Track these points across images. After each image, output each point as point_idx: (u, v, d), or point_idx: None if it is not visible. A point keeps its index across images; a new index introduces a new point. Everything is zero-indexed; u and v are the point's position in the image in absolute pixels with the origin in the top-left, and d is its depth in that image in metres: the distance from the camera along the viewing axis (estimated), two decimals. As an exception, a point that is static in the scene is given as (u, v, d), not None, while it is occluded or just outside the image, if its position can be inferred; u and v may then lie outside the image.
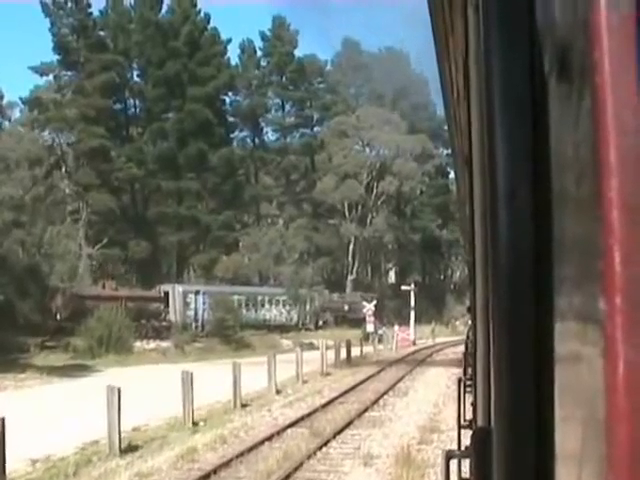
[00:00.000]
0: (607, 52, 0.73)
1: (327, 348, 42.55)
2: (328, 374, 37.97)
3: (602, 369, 0.72)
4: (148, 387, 32.82)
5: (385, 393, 29.04)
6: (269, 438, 19.16)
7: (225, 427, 21.70)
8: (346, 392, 29.20)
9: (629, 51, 0.72)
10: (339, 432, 19.90)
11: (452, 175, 74.90)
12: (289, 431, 20.40)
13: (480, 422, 3.24)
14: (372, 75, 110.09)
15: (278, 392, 30.03)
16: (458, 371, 19.38)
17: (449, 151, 74.22)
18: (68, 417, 23.92)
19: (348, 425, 21.10)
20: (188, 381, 21.64)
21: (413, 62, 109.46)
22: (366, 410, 24.26)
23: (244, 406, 26.03)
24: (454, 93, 5.13)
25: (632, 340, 0.69)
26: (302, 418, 22.12)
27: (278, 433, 19.81)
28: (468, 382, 7.86)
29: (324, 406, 25.01)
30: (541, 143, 1.08)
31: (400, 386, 32.06)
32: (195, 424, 22.09)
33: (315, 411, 23.79)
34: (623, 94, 0.71)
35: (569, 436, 0.96)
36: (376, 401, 26.62)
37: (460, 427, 6.60)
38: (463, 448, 5.26)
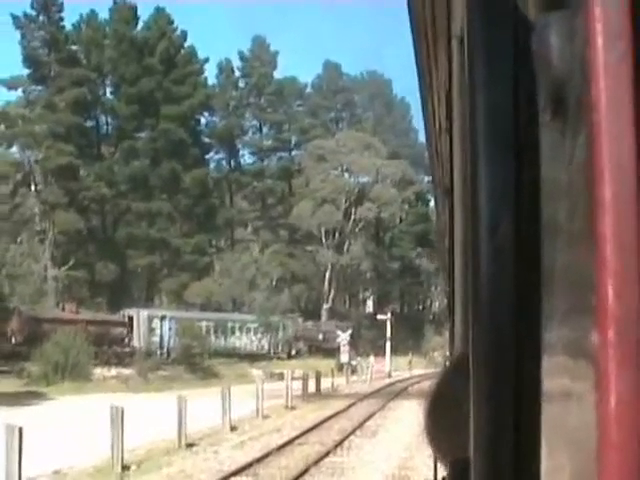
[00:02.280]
0: (604, 90, 0.73)
1: (298, 379, 39.77)
2: (293, 408, 34.87)
3: (593, 403, 0.72)
4: (96, 419, 29.71)
5: (352, 433, 25.96)
6: (205, 489, 16.15)
7: (160, 472, 18.59)
8: (308, 430, 26.12)
9: (625, 90, 0.73)
10: (290, 484, 16.89)
11: (433, 203, 72.31)
12: (231, 480, 17.36)
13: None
14: (353, 99, 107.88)
15: (233, 429, 26.93)
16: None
17: (430, 178, 72.12)
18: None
19: (302, 474, 18.03)
20: (118, 418, 18.54)
21: (395, 87, 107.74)
22: (327, 454, 21.16)
23: (190, 446, 22.90)
24: (436, 125, 5.24)
25: (624, 374, 0.70)
26: (251, 464, 19.01)
27: (217, 483, 16.77)
28: None
29: (280, 448, 21.89)
30: (526, 178, 1.08)
31: (370, 424, 28.97)
32: (126, 468, 18.95)
33: (268, 454, 20.69)
34: (619, 132, 0.72)
35: (556, 468, 0.96)
36: (340, 442, 23.51)
37: (436, 458, 5.35)
38: (440, 478, 4.49)
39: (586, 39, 0.76)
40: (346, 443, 23.77)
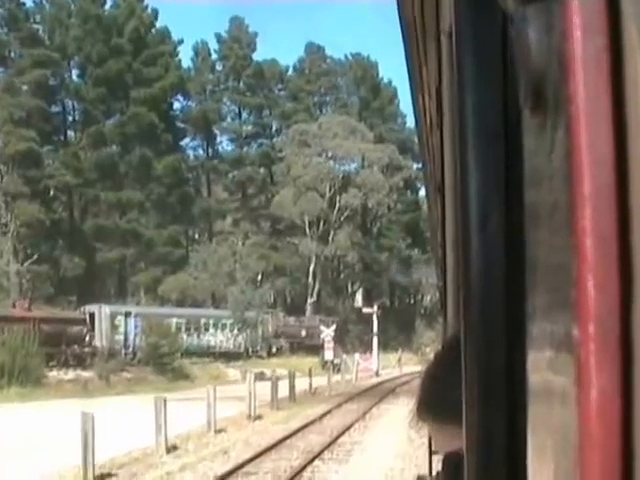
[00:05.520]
0: (582, 84, 0.73)
1: (277, 379, 34.66)
2: (258, 417, 29.26)
3: (575, 397, 0.73)
4: (26, 434, 24.45)
5: (319, 454, 20.27)
6: None
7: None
8: (265, 452, 20.49)
9: (603, 83, 0.73)
10: None
11: (422, 191, 68.18)
12: None
13: None
14: (337, 82, 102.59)
15: (172, 449, 21.34)
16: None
17: (419, 165, 67.24)
18: None
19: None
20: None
21: (382, 70, 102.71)
22: (276, 492, 15.64)
23: (101, 478, 17.33)
24: (427, 120, 5.34)
25: (605, 368, 0.70)
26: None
27: None
28: None
29: (216, 482, 16.33)
30: (514, 171, 1.10)
31: (344, 441, 23.21)
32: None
33: (197, 493, 15.15)
34: (597, 125, 0.72)
35: (542, 464, 0.96)
36: (300, 472, 17.89)
37: (431, 452, 5.95)
38: (434, 473, 4.72)
39: (564, 32, 0.75)
40: (307, 471, 18.11)
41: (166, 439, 21.09)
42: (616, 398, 0.69)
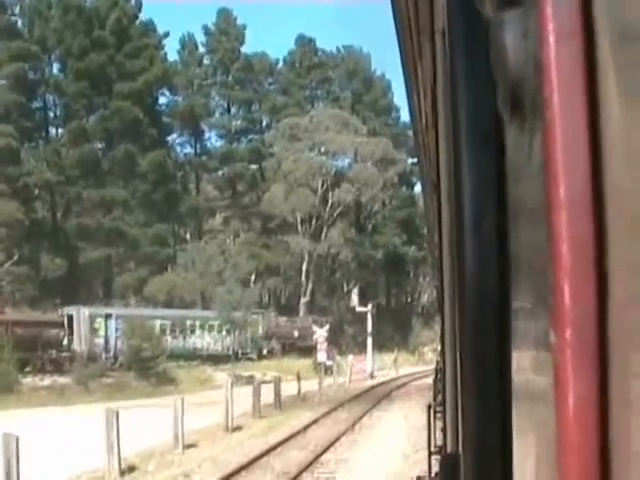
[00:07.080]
0: (557, 89, 0.73)
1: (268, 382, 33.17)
2: (237, 429, 26.24)
3: (554, 402, 0.74)
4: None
5: (296, 477, 17.27)
6: None
7: None
8: (233, 474, 17.49)
9: (578, 88, 0.73)
10: None
11: (418, 187, 65.57)
12: None
13: (449, 448, 3.12)
14: (329, 76, 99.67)
15: (127, 471, 18.35)
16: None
17: (414, 159, 64.63)
18: None
19: None
20: None
21: (374, 62, 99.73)
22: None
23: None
24: (422, 120, 5.40)
25: (581, 373, 0.70)
26: None
27: None
28: (438, 408, 8.03)
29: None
30: (505, 173, 1.11)
31: (328, 458, 20.17)
32: None
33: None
34: (573, 131, 0.72)
35: (526, 463, 0.98)
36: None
37: (430, 453, 6.64)
38: (433, 474, 5.42)
39: (539, 38, 0.75)
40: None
41: (119, 459, 18.08)
42: (593, 403, 0.69)
